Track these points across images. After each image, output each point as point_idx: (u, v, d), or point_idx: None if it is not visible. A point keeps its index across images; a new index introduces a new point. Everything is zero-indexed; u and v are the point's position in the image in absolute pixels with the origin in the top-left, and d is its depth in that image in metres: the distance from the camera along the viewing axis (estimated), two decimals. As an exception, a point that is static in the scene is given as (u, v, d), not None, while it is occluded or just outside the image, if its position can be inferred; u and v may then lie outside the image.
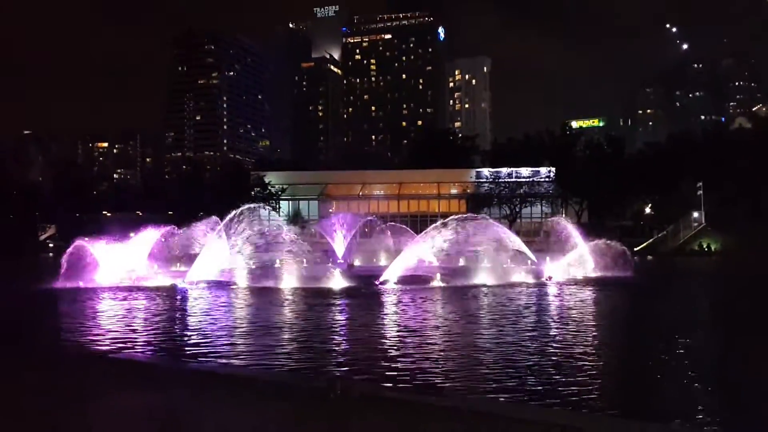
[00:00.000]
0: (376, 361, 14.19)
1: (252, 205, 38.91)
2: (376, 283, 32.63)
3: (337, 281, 32.91)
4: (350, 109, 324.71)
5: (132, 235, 38.74)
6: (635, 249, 59.26)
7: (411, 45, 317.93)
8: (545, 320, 21.23)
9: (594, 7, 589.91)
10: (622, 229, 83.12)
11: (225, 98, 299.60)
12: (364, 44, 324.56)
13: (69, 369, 12.86)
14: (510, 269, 38.31)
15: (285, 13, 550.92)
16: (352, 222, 57.63)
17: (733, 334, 18.40)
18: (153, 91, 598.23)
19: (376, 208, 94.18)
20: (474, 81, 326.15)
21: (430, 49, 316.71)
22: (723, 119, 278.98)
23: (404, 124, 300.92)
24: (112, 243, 36.26)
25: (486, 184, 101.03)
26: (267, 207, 52.76)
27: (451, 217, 36.79)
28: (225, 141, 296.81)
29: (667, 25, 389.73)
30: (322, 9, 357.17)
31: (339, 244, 54.81)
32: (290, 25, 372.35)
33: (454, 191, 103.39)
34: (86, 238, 35.76)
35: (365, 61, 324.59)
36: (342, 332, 19.15)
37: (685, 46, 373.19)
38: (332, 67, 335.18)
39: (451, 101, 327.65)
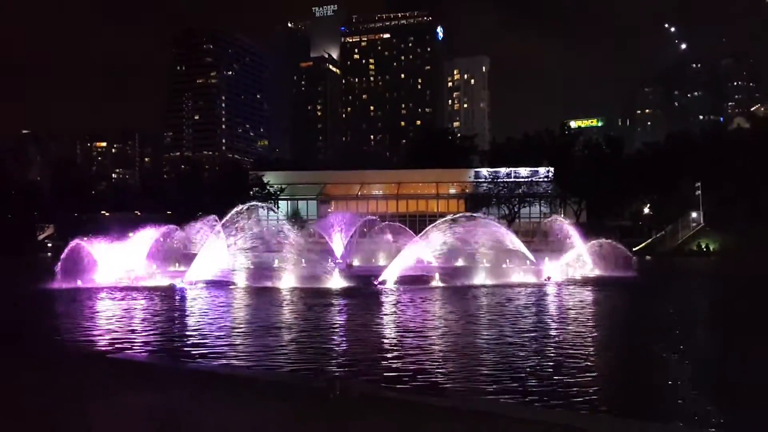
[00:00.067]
0: (375, 362, 14.18)
1: (252, 204, 38.85)
2: (375, 283, 32.61)
3: (336, 281, 32.89)
4: (349, 108, 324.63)
5: (131, 234, 38.69)
6: (634, 249, 59.25)
7: (410, 44, 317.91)
8: (545, 320, 21.23)
9: (593, 7, 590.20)
10: (620, 229, 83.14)
11: (224, 98, 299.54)
12: (363, 44, 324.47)
13: (68, 369, 12.85)
14: (509, 269, 38.30)
15: (284, 12, 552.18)
16: (350, 222, 57.58)
17: (736, 334, 18.36)
18: (152, 91, 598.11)
19: (375, 208, 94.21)
20: (473, 81, 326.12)
21: (428, 49, 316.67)
22: (722, 119, 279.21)
23: (403, 123, 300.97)
24: (110, 243, 36.20)
25: (485, 184, 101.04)
26: (265, 206, 52.67)
27: (449, 217, 36.78)
28: (224, 140, 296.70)
29: (666, 25, 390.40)
30: (321, 8, 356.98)
31: (338, 244, 54.77)
32: (289, 25, 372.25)
33: (452, 191, 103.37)
34: (85, 238, 35.70)
35: (364, 61, 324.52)
36: (341, 332, 19.14)
37: (684, 46, 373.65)
38: (331, 66, 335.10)
39: (450, 101, 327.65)
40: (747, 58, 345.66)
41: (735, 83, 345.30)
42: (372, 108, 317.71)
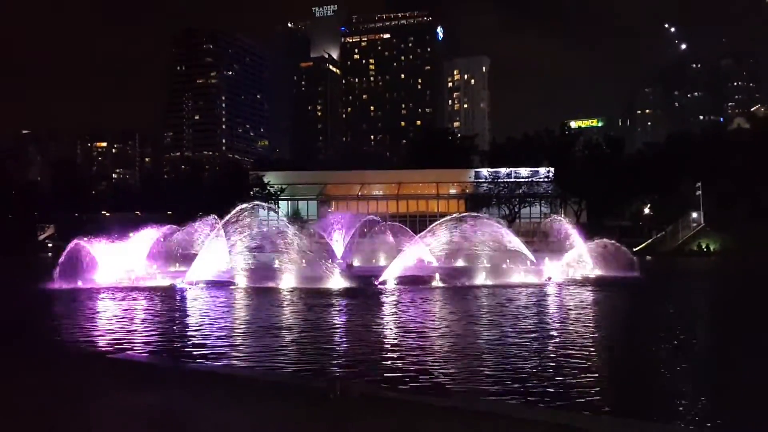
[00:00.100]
0: (376, 362, 14.17)
1: (253, 204, 38.81)
2: (376, 283, 32.59)
3: (336, 281, 32.87)
4: (349, 108, 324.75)
5: (131, 234, 38.66)
6: (634, 249, 59.26)
7: (410, 45, 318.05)
8: (546, 321, 21.22)
9: (593, 7, 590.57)
10: (621, 229, 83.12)
11: (224, 98, 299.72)
12: (363, 44, 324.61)
13: (68, 369, 12.83)
14: (509, 269, 38.26)
15: (284, 12, 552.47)
16: (351, 222, 57.57)
17: (743, 335, 18.29)
18: (152, 91, 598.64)
19: (375, 208, 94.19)
20: (473, 81, 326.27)
21: (428, 49, 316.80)
22: (722, 119, 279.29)
23: (403, 123, 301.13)
24: (110, 243, 36.19)
25: (485, 184, 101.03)
26: (266, 206, 52.64)
27: (449, 216, 36.75)
28: (224, 141, 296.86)
29: (666, 26, 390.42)
30: (321, 9, 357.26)
31: (338, 244, 54.75)
32: (289, 25, 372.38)
33: (453, 191, 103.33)
34: (85, 238, 35.68)
35: (364, 61, 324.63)
36: (342, 333, 19.12)
37: (684, 47, 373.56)
38: (331, 66, 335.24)
39: (450, 101, 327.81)
40: (747, 59, 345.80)
41: (735, 83, 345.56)
42: (372, 108, 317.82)
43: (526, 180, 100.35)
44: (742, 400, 11.24)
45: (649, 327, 20.08)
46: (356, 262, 49.61)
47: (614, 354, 15.76)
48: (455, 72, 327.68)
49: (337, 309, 24.67)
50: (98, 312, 23.86)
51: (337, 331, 19.41)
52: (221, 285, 32.28)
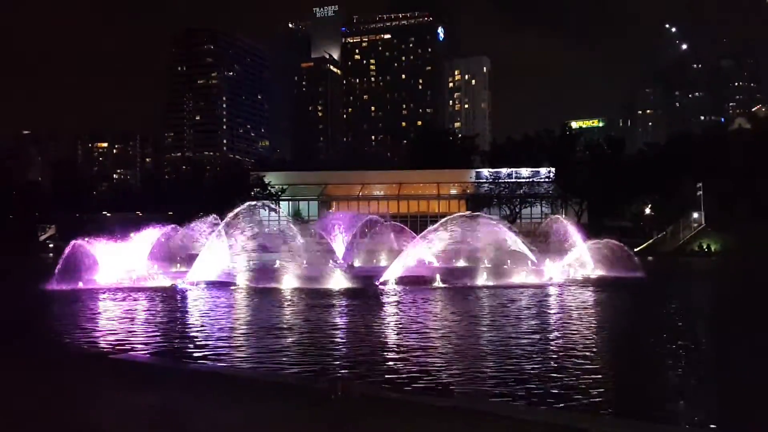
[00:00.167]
0: (377, 363, 14.15)
1: (254, 203, 38.82)
2: (377, 283, 32.57)
3: (337, 282, 32.86)
4: (350, 109, 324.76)
5: (132, 235, 38.64)
6: (635, 250, 59.26)
7: (410, 45, 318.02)
8: (548, 322, 21.19)
9: (594, 8, 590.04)
10: (621, 229, 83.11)
11: (224, 98, 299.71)
12: (364, 44, 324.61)
13: (69, 369, 12.83)
14: (510, 270, 38.24)
15: (284, 13, 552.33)
16: (351, 222, 57.59)
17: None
18: (153, 91, 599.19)
19: (376, 209, 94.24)
20: (474, 81, 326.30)
21: (429, 49, 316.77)
22: (723, 120, 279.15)
23: (404, 124, 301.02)
24: (111, 243, 36.17)
25: (486, 185, 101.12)
26: (267, 206, 52.66)
27: (451, 216, 36.71)
28: (224, 141, 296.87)
29: (667, 26, 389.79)
30: (322, 9, 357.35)
31: (339, 244, 54.75)
32: (290, 25, 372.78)
33: (453, 191, 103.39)
34: (86, 239, 35.66)
35: (365, 61, 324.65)
36: (342, 333, 19.10)
37: (684, 47, 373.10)
38: (332, 67, 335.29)
39: (451, 101, 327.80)
40: (748, 59, 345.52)
41: (736, 84, 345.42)
42: (373, 108, 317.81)
43: (527, 180, 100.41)
44: (745, 401, 11.22)
45: (655, 327, 20.04)
46: (357, 263, 49.61)
47: (619, 355, 15.73)
48: (456, 72, 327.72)
49: (338, 309, 24.66)
50: (99, 312, 23.87)
51: (338, 331, 19.39)
52: (222, 285, 32.28)
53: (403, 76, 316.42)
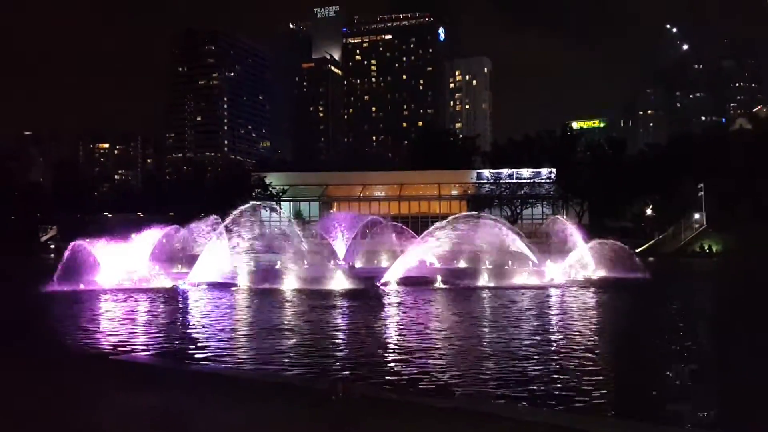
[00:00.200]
0: (378, 364, 14.14)
1: (255, 203, 38.83)
2: (378, 284, 32.57)
3: (338, 282, 32.86)
4: (351, 109, 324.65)
5: (133, 236, 38.63)
6: (636, 250, 59.25)
7: (411, 45, 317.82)
8: (549, 323, 21.17)
9: (595, 8, 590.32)
10: (622, 230, 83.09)
11: (226, 99, 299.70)
12: (365, 45, 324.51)
13: (70, 370, 12.83)
14: (512, 271, 38.22)
15: (285, 13, 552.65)
16: (352, 223, 57.58)
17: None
18: (153, 91, 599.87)
19: (377, 209, 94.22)
20: (474, 81, 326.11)
21: (430, 50, 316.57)
22: (724, 120, 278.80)
23: (405, 124, 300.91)
24: (112, 244, 36.14)
25: (487, 185, 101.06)
26: (268, 207, 52.66)
27: (453, 216, 36.69)
28: (226, 142, 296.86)
29: (668, 26, 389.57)
30: (323, 9, 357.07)
31: (340, 245, 54.75)
32: (290, 26, 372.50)
33: (454, 192, 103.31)
34: (87, 239, 35.64)
35: (366, 62, 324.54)
36: (343, 334, 19.09)
37: (685, 47, 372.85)
38: (333, 67, 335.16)
39: (452, 102, 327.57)
40: (749, 59, 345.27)
41: (737, 84, 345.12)
42: (374, 109, 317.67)
43: (528, 181, 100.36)
44: (746, 401, 11.20)
45: (656, 328, 20.02)
46: (358, 263, 49.62)
47: (621, 356, 15.70)
48: (457, 73, 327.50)
49: (339, 310, 24.66)
50: (100, 313, 23.88)
51: (339, 332, 19.37)
52: (223, 286, 32.28)
53: (404, 76, 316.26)
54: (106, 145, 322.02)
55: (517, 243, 38.38)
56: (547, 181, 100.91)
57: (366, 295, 29.12)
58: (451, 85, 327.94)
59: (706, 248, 75.06)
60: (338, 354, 15.66)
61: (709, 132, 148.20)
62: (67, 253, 34.09)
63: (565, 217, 68.25)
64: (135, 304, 26.39)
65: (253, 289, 31.76)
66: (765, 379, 12.54)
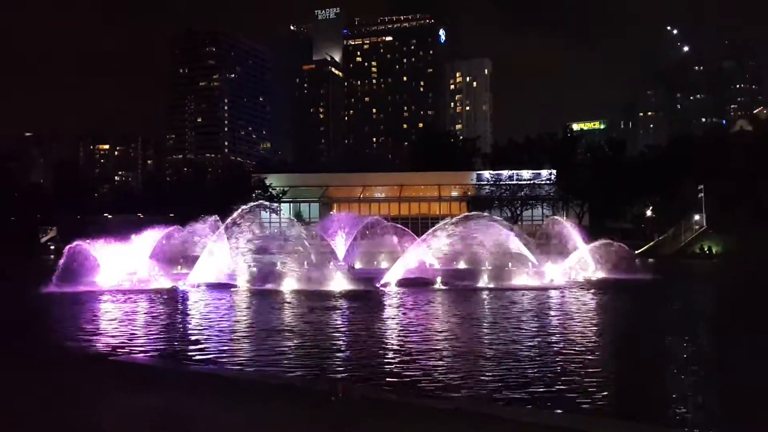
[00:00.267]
0: (378, 365, 14.12)
1: (256, 203, 38.77)
2: (377, 285, 32.54)
3: (338, 283, 32.83)
4: (351, 111, 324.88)
5: (133, 236, 38.61)
6: (636, 252, 59.20)
7: (412, 47, 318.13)
8: (549, 324, 21.15)
9: (595, 8, 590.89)
10: (622, 231, 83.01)
11: (226, 100, 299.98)
12: (365, 46, 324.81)
13: (69, 370, 12.82)
14: (512, 272, 38.16)
15: (286, 15, 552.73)
16: (353, 224, 57.55)
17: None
18: (153, 92, 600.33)
19: (377, 211, 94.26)
20: (475, 83, 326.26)
21: (431, 51, 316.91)
22: (724, 122, 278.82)
23: (405, 126, 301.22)
24: (112, 244, 36.11)
25: (487, 187, 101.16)
26: (269, 208, 52.57)
27: (456, 218, 36.64)
28: (226, 143, 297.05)
29: (668, 27, 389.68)
30: (323, 11, 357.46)
31: (340, 246, 54.69)
32: (291, 27, 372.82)
33: (455, 193, 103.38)
34: (87, 240, 35.61)
35: (366, 63, 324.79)
36: (343, 335, 19.07)
37: (686, 48, 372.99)
38: (333, 69, 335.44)
39: (452, 103, 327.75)
40: (749, 61, 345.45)
41: (737, 86, 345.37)
42: (374, 110, 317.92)
43: (528, 182, 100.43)
44: (747, 403, 11.18)
45: (656, 329, 20.01)
46: (358, 264, 49.58)
47: (621, 357, 15.67)
48: (457, 74, 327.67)
49: (339, 311, 24.64)
50: (100, 314, 23.86)
51: (339, 333, 19.35)
52: (223, 287, 32.26)
53: (405, 78, 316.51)
54: (107, 146, 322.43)
55: (516, 244, 38.31)
56: (548, 182, 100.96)
57: (366, 296, 29.10)
58: (452, 86, 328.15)
59: (706, 250, 74.99)
60: (338, 355, 15.64)
61: (710, 133, 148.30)
62: (65, 255, 34.02)
63: (565, 218, 68.14)
64: (134, 305, 26.37)
65: (252, 290, 31.74)
66: (765, 381, 12.52)
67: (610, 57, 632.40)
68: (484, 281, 34.87)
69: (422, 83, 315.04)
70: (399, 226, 54.51)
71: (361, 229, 56.72)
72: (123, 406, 9.69)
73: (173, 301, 28.07)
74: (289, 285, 32.66)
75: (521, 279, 35.91)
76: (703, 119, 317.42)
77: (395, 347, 16.71)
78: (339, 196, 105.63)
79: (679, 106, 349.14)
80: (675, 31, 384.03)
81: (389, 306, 26.10)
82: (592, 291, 31.86)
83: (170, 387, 11.08)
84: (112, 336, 18.33)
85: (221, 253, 34.44)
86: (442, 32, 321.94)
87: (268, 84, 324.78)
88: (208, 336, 18.51)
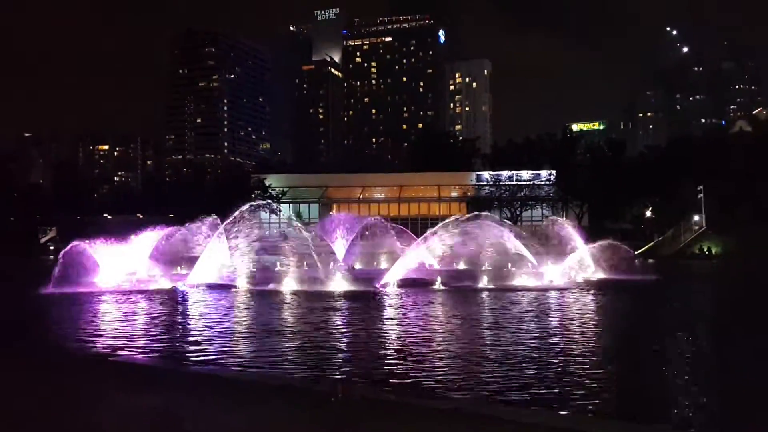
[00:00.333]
0: (378, 365, 14.13)
1: (255, 204, 38.77)
2: (377, 285, 32.53)
3: (337, 284, 32.84)
4: (351, 111, 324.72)
5: (132, 237, 38.60)
6: (636, 252, 59.20)
7: (411, 47, 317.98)
8: (548, 325, 21.14)
9: (595, 9, 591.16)
10: (622, 232, 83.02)
11: (226, 101, 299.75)
12: (365, 47, 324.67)
13: (69, 371, 12.82)
14: (511, 272, 38.18)
15: (285, 15, 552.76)
16: (352, 224, 57.56)
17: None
18: (153, 92, 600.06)
19: (377, 211, 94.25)
20: (474, 84, 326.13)
21: (430, 52, 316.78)
22: (723, 122, 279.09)
23: (405, 126, 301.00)
24: (112, 245, 36.10)
25: (486, 187, 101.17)
26: (268, 209, 52.57)
27: (454, 217, 36.65)
28: (226, 144, 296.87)
29: (668, 28, 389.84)
30: (323, 11, 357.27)
31: (339, 246, 54.69)
32: (291, 28, 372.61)
33: (454, 194, 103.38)
34: (86, 240, 35.58)
35: (366, 64, 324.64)
36: (343, 335, 19.07)
37: (685, 49, 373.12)
38: (333, 69, 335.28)
39: (452, 104, 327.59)
40: (749, 61, 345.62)
41: (737, 86, 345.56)
42: (374, 111, 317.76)
43: (528, 183, 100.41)
44: (747, 403, 11.19)
45: (657, 330, 20.00)
46: (358, 265, 49.57)
47: (621, 358, 15.66)
48: (457, 75, 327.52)
49: (339, 312, 24.64)
50: (100, 315, 23.86)
51: (339, 333, 19.35)
52: (223, 288, 32.26)
53: (404, 78, 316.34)
54: (106, 147, 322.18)
55: (516, 244, 38.32)
56: (547, 183, 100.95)
57: (366, 297, 29.10)
58: (451, 87, 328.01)
59: (705, 250, 75.05)
60: (338, 355, 15.64)
61: (709, 134, 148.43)
62: (62, 255, 33.93)
63: (564, 218, 68.14)
64: (134, 305, 26.37)
65: (252, 291, 31.74)
66: (765, 381, 12.53)
67: (610, 57, 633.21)
68: (483, 282, 34.88)
69: (422, 84, 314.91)
70: (398, 226, 54.53)
71: (360, 230, 56.71)
72: (123, 406, 9.69)
73: (173, 301, 28.07)
74: (288, 285, 32.66)
75: (520, 279, 35.92)
76: (703, 120, 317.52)
77: (395, 348, 16.70)
78: (338, 196, 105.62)
79: (678, 107, 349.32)
80: (675, 32, 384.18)
81: (389, 306, 26.10)
82: (591, 291, 31.86)
83: (170, 388, 11.08)
84: (112, 336, 18.32)
85: (221, 254, 34.44)
86: (441, 33, 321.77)
87: (267, 84, 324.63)
88: (208, 336, 18.50)
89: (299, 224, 42.46)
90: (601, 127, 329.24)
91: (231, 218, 35.26)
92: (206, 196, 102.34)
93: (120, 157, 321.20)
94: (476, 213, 39.62)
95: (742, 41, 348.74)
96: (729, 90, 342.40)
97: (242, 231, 35.05)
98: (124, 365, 14.00)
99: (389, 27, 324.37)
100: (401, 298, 28.67)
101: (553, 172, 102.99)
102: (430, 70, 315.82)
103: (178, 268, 41.08)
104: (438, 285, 33.11)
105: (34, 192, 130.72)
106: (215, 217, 37.34)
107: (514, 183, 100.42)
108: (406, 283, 32.87)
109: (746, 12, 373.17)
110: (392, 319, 22.71)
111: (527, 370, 13.30)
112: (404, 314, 23.75)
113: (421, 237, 37.54)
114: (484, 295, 30.23)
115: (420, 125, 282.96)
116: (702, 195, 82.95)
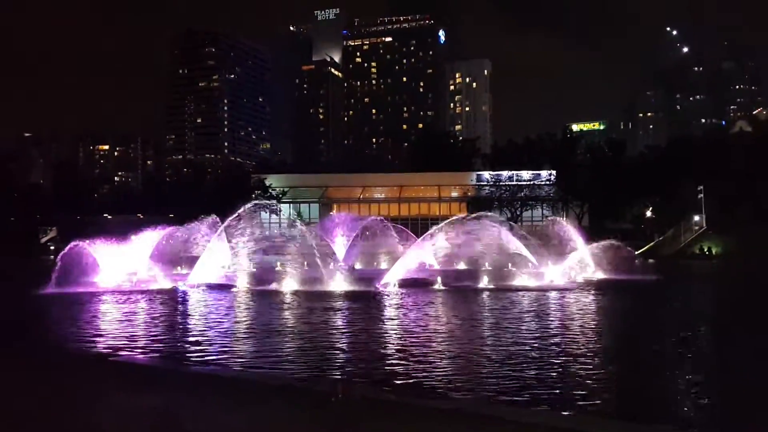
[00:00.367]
0: (378, 365, 14.12)
1: (255, 203, 38.78)
2: (377, 286, 32.52)
3: (338, 284, 32.83)
4: (351, 111, 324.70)
5: (133, 237, 38.59)
6: (636, 252, 59.22)
7: (411, 48, 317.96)
8: (549, 325, 21.13)
9: (595, 9, 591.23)
10: (622, 232, 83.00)
11: (226, 101, 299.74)
12: (365, 47, 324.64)
13: (69, 371, 12.81)
14: (511, 272, 38.17)
15: (285, 15, 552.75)
16: (352, 224, 57.54)
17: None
18: (153, 92, 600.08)
19: (377, 211, 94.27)
20: (475, 84, 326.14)
21: (430, 52, 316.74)
22: (723, 122, 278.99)
23: (405, 127, 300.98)
24: (112, 245, 36.08)
25: (487, 187, 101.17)
26: (268, 208, 52.53)
27: (454, 217, 36.65)
28: (226, 144, 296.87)
29: (668, 28, 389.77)
30: (323, 12, 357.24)
31: (339, 246, 54.66)
32: (291, 28, 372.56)
33: (454, 194, 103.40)
34: (86, 240, 35.57)
35: (366, 64, 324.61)
36: (343, 335, 19.06)
37: (685, 49, 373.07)
38: (333, 69, 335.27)
39: (452, 104, 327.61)
40: (749, 62, 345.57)
41: (737, 86, 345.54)
42: (374, 111, 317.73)
43: (528, 183, 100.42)
44: (747, 404, 11.18)
45: (657, 330, 19.99)
46: (358, 265, 49.55)
47: (622, 358, 15.66)
48: (457, 75, 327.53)
49: (339, 312, 24.62)
50: (100, 315, 23.85)
51: (339, 333, 19.34)
52: (223, 288, 32.25)
53: (404, 78, 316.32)
54: (106, 147, 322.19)
55: (516, 245, 38.32)
56: (547, 183, 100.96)
57: (366, 297, 29.08)
58: (451, 87, 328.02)
59: (705, 250, 75.04)
60: (338, 355, 15.63)
61: (709, 134, 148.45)
62: (62, 255, 33.91)
63: (565, 218, 68.16)
64: (134, 305, 26.36)
65: (252, 291, 31.72)
66: (765, 381, 12.52)
67: (610, 57, 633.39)
68: (484, 282, 34.87)
69: (422, 84, 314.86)
70: (398, 226, 54.53)
71: (360, 230, 56.69)
72: (123, 406, 9.68)
73: (173, 301, 28.06)
74: (289, 285, 32.65)
75: (521, 280, 35.91)
76: (703, 120, 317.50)
77: (395, 348, 16.69)
78: (339, 196, 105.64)
79: (678, 107, 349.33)
80: (675, 32, 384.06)
81: (389, 307, 26.08)
82: (592, 292, 31.85)
83: (171, 388, 11.07)
84: (113, 336, 18.31)
85: (221, 254, 34.43)
86: (441, 33, 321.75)
87: (267, 84, 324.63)
88: (208, 337, 18.49)
89: (302, 226, 42.37)
90: (601, 127, 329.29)
91: (231, 218, 35.25)
92: (206, 196, 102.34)
93: (120, 157, 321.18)
94: (480, 213, 39.55)
95: (742, 41, 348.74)
96: (729, 90, 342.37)
97: (243, 231, 35.03)
98: (125, 365, 13.99)
99: (389, 27, 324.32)
100: (401, 298, 28.65)
101: (554, 172, 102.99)
102: (430, 70, 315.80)
103: (179, 268, 41.06)
104: (438, 285, 33.10)
105: (34, 192, 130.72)
106: (215, 217, 37.32)
107: (514, 183, 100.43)
108: (406, 283, 32.85)
109: (746, 12, 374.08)
110: (393, 319, 22.70)
111: (528, 371, 13.29)
112: (405, 314, 23.73)
113: (421, 237, 37.53)
114: (485, 295, 30.22)
115: (420, 125, 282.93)
116: (702, 195, 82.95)
